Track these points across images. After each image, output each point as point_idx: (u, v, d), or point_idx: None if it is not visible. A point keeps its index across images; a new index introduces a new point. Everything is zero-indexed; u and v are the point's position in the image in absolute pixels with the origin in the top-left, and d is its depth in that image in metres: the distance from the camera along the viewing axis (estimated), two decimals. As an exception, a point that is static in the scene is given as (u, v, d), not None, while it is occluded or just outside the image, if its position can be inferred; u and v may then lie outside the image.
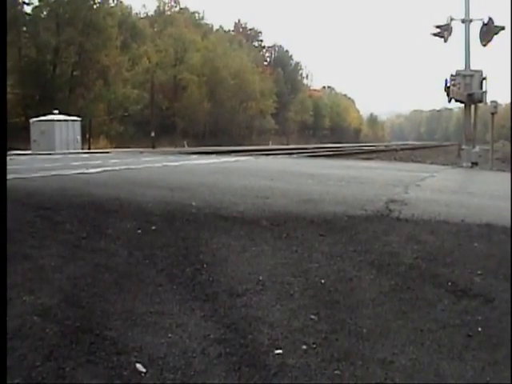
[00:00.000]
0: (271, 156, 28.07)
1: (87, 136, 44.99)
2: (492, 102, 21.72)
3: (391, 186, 10.59)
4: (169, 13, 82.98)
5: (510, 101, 64.98)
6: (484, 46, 21.17)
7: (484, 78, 21.14)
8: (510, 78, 21.74)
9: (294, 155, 31.78)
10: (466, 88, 21.10)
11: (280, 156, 29.28)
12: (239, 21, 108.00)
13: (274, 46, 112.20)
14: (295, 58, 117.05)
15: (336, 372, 3.07)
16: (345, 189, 9.80)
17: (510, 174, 16.01)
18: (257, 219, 6.28)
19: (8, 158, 19.38)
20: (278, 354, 3.24)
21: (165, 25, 75.75)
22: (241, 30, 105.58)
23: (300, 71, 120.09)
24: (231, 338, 3.39)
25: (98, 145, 47.69)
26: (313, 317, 3.77)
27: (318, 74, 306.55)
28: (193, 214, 6.41)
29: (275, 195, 8.27)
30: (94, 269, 4.45)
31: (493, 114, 21.50)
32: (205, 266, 4.65)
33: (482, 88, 21.12)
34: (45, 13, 54.84)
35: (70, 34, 52.76)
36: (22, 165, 15.02)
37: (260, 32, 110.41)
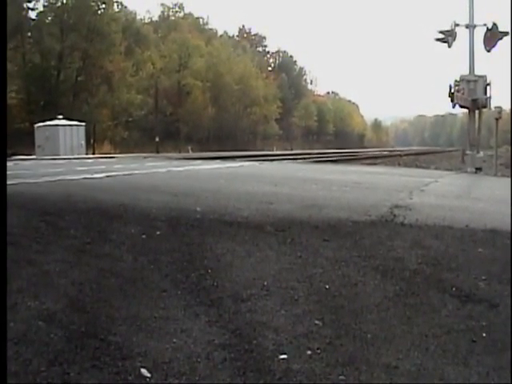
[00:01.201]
0: (275, 161, 28.08)
1: (91, 141, 45.08)
2: (496, 107, 21.67)
3: (395, 192, 10.59)
4: (173, 18, 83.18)
5: (510, 107, 64.92)
6: (488, 51, 21.18)
7: (488, 84, 21.13)
8: (510, 84, 21.68)
9: (298, 160, 31.77)
10: (470, 93, 21.11)
11: (284, 161, 29.28)
12: (243, 26, 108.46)
13: (278, 52, 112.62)
14: (299, 64, 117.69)
15: (341, 377, 3.07)
16: (349, 194, 9.80)
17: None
18: (261, 224, 6.29)
19: (12, 163, 19.47)
20: (282, 359, 3.24)
21: (169, 30, 75.92)
22: (245, 35, 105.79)
23: (304, 76, 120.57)
24: (236, 343, 3.40)
25: (102, 150, 47.84)
26: (317, 322, 3.77)
27: (322, 80, 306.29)
28: (197, 220, 6.41)
29: (279, 200, 8.28)
30: (99, 274, 4.45)
31: (497, 119, 21.46)
32: (209, 271, 4.66)
33: (486, 93, 21.12)
34: (49, 18, 55.13)
35: (74, 40, 53.02)
36: (26, 170, 15.05)
37: (264, 37, 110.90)
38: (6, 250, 4.30)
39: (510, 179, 17.45)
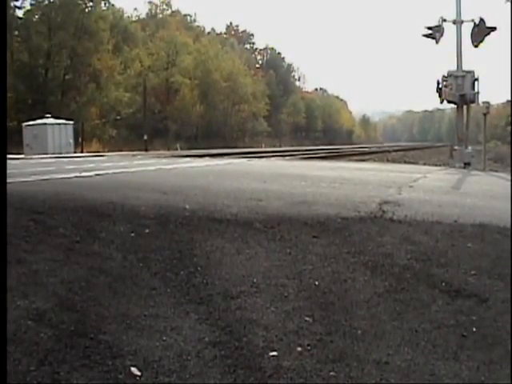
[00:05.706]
0: (264, 158, 28.06)
1: (80, 139, 44.90)
2: (484, 102, 21.74)
3: (384, 188, 10.60)
4: (160, 16, 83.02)
5: (506, 100, 65.09)
6: (475, 46, 21.24)
7: (476, 79, 21.20)
8: (510, 76, 21.75)
9: (287, 157, 31.74)
10: (458, 89, 21.16)
11: (273, 158, 29.25)
12: (231, 23, 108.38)
13: (266, 49, 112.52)
14: (287, 60, 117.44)
15: (331, 373, 3.07)
16: (338, 190, 9.80)
17: (502, 174, 16.04)
18: (250, 221, 6.28)
19: (0, 162, 19.33)
20: (273, 355, 3.24)
21: (156, 28, 75.74)
22: (233, 32, 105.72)
23: (292, 73, 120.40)
24: (226, 341, 3.39)
25: (90, 148, 47.60)
26: (307, 318, 3.77)
27: (310, 76, 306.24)
28: (186, 217, 6.40)
29: (268, 197, 8.27)
30: (88, 272, 4.43)
31: (485, 114, 21.52)
32: (199, 268, 4.65)
33: (474, 89, 21.18)
34: (36, 17, 54.80)
35: (61, 38, 52.78)
36: (14, 169, 14.95)
37: (252, 34, 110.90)
38: (6, 251, 4.29)
39: (498, 174, 17.54)
